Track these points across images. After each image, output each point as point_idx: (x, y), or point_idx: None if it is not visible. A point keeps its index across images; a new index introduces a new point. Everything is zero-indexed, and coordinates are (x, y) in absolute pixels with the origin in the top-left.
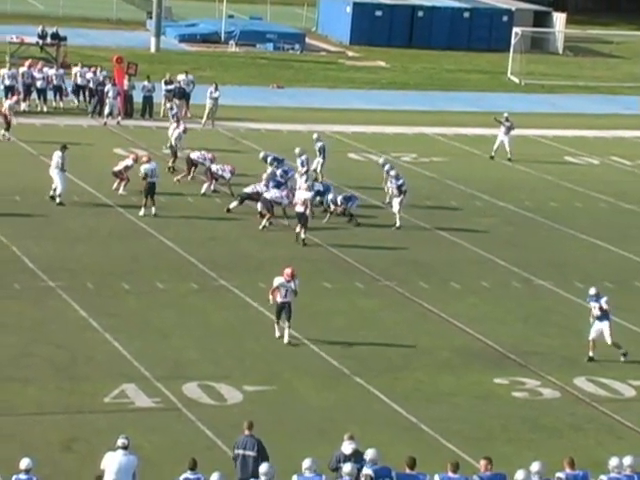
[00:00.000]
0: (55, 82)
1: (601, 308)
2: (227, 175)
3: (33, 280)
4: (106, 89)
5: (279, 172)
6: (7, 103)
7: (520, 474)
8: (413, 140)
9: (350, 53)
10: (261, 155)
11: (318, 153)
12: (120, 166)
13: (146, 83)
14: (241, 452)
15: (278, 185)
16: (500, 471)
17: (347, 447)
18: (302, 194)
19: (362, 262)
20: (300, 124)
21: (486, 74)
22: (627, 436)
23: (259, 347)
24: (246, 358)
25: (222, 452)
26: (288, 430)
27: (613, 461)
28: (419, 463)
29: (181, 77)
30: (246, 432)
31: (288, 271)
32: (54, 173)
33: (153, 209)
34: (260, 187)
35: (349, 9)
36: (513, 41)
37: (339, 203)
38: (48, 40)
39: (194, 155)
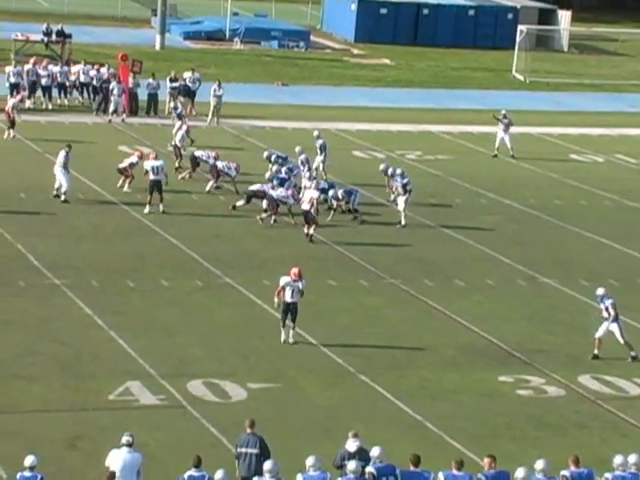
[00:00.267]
0: (59, 79)
1: (607, 310)
2: (232, 173)
3: (38, 278)
4: (111, 86)
5: (284, 169)
6: (11, 102)
7: (520, 472)
8: (418, 138)
9: (355, 51)
10: (265, 154)
11: (319, 151)
12: (125, 163)
13: (151, 80)
14: (243, 450)
15: (282, 182)
16: (504, 469)
17: (351, 445)
18: (310, 193)
19: (367, 260)
20: (305, 122)
21: (491, 72)
22: (632, 434)
23: (264, 345)
24: (251, 356)
25: (227, 449)
26: (293, 428)
27: (618, 459)
28: (424, 461)
29: (187, 75)
30: (248, 430)
31: (295, 271)
32: (58, 171)
33: (161, 206)
34: (266, 186)
35: (354, 7)
36: (518, 39)
37: (340, 197)
38: (53, 37)
39: (198, 153)
